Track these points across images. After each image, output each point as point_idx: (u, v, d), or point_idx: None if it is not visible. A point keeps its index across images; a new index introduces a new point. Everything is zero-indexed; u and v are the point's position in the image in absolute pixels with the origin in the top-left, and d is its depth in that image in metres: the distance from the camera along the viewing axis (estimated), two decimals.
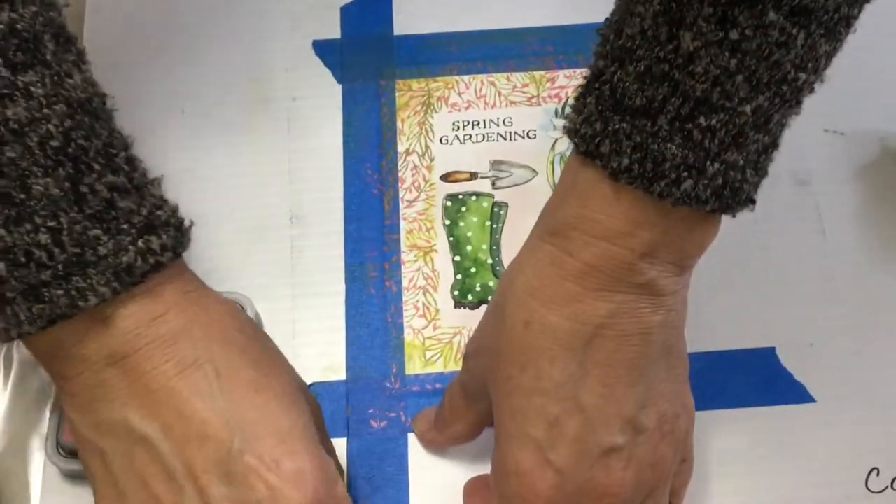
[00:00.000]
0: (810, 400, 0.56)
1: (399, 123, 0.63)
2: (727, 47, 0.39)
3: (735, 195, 0.42)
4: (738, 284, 0.58)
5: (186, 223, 0.45)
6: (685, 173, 0.41)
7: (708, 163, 0.41)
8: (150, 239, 0.42)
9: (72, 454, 0.52)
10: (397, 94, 0.64)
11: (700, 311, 0.49)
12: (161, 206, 0.44)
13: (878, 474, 0.54)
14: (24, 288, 0.40)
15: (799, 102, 0.42)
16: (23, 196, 0.40)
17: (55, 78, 0.41)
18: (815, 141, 0.62)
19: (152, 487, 0.42)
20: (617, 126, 0.41)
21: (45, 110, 0.40)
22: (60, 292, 0.40)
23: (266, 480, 0.42)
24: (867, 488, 0.54)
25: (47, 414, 0.55)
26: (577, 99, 0.44)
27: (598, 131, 0.42)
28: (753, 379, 0.56)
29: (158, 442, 0.42)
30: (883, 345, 0.57)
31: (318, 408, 0.49)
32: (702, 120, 0.40)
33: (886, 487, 0.53)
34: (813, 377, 0.56)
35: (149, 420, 0.42)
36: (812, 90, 0.42)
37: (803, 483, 0.54)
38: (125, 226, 0.42)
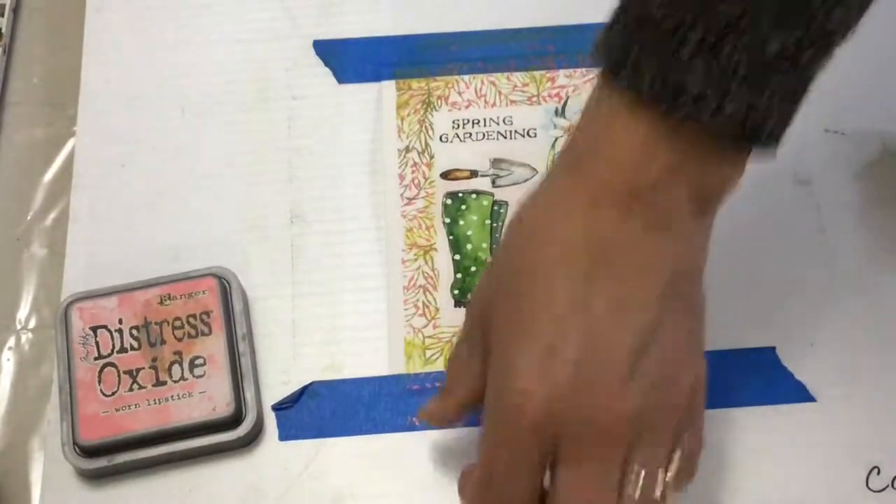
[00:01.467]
0: (810, 399, 0.56)
1: (398, 121, 0.63)
2: None
3: (757, 128, 0.42)
4: (738, 284, 0.58)
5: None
6: (709, 93, 0.41)
7: (733, 85, 0.41)
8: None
9: (89, 454, 0.52)
10: (397, 94, 0.64)
11: None
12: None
13: (878, 473, 0.54)
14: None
15: (828, 46, 0.42)
16: None
17: None
18: (816, 141, 0.62)
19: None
20: (644, 47, 0.42)
21: None
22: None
23: None
24: (868, 488, 0.53)
25: (48, 414, 0.55)
26: (606, 26, 0.44)
27: (624, 53, 0.42)
28: (753, 378, 0.56)
29: None
30: (883, 345, 0.57)
31: None
32: (728, 45, 0.40)
33: (887, 486, 0.53)
34: (813, 377, 0.56)
35: None
36: (844, 38, 0.42)
37: (803, 483, 0.54)
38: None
